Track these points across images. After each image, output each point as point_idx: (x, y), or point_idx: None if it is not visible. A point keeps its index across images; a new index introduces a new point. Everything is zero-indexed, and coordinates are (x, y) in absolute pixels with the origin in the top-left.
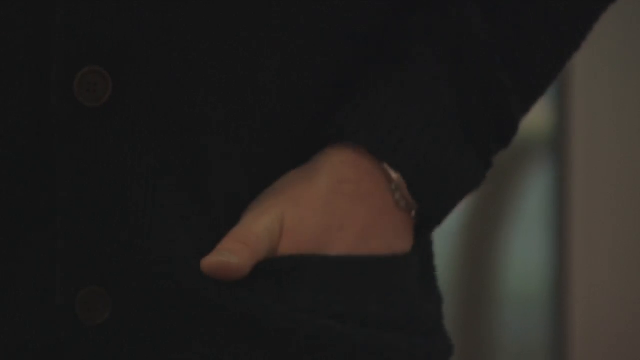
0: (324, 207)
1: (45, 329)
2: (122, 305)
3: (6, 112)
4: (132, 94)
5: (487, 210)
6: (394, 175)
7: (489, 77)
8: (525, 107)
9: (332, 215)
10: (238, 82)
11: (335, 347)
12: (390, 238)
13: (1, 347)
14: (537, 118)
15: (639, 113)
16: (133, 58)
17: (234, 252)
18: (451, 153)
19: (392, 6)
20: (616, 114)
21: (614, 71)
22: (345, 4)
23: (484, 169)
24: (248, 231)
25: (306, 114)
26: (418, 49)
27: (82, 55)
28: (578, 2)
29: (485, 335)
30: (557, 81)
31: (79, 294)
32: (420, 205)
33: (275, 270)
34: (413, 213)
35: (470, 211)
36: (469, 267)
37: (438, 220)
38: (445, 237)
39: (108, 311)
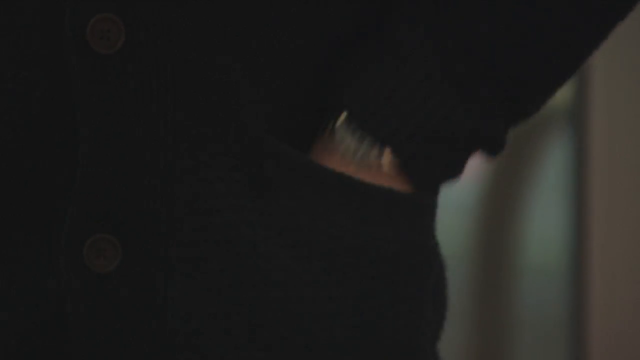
0: None
1: (53, 276)
2: (133, 254)
3: (23, 68)
4: (146, 39)
5: (506, 181)
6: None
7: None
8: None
9: None
10: (251, 32)
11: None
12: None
13: (11, 294)
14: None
15: None
16: (145, 4)
17: None
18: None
19: None
20: (636, 85)
21: (634, 41)
22: None
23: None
24: None
25: (314, 69)
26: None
27: (92, 4)
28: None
29: (503, 306)
30: None
31: (87, 241)
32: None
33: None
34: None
35: (489, 183)
36: (488, 239)
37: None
38: (464, 208)
39: (118, 259)
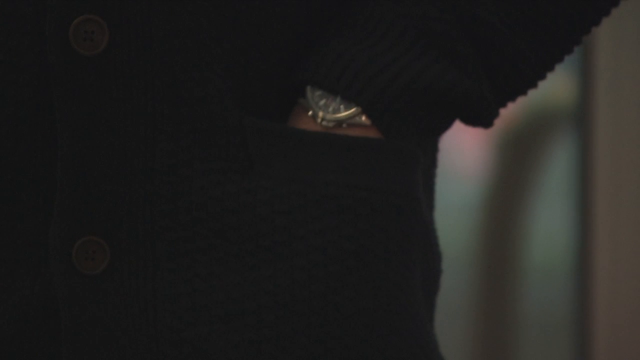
0: None
1: (41, 276)
2: (121, 255)
3: (5, 67)
4: (129, 41)
5: (510, 182)
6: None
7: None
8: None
9: None
10: (234, 30)
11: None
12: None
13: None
14: (560, 90)
15: None
16: (128, 5)
17: None
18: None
19: None
20: (639, 86)
21: (637, 43)
22: None
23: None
24: None
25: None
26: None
27: (76, 5)
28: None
29: (508, 306)
30: (580, 54)
31: (76, 244)
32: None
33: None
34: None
35: (494, 183)
36: (493, 239)
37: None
38: (469, 208)
39: (106, 261)
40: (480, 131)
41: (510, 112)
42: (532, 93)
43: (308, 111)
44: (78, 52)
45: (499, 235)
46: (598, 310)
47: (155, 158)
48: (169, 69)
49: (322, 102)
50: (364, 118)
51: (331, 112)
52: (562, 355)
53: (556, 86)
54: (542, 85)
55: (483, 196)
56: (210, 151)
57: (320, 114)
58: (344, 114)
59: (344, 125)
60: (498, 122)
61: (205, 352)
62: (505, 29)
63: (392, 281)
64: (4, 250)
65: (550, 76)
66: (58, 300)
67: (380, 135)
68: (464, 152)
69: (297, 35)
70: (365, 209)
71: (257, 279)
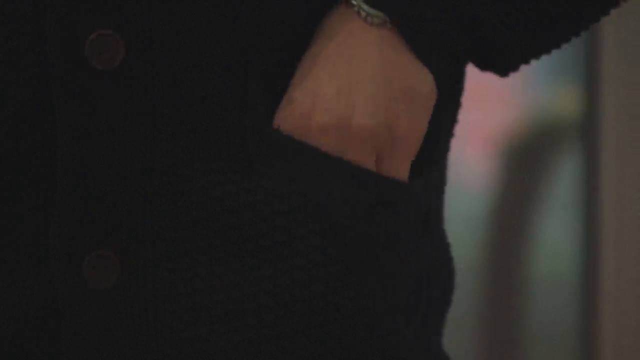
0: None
1: (42, 281)
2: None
3: (5, 67)
4: (144, 56)
5: (517, 193)
6: None
7: None
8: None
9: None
10: (234, 30)
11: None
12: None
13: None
14: (566, 101)
15: None
16: (142, 19)
17: None
18: None
19: None
20: None
21: None
22: None
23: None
24: None
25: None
26: None
27: (91, 19)
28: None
29: (515, 317)
30: (586, 68)
31: (85, 258)
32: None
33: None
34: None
35: (501, 195)
36: (500, 251)
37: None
38: (477, 221)
39: (116, 275)
40: (486, 142)
41: (515, 125)
42: (538, 104)
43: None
44: (94, 66)
45: (506, 247)
46: (604, 321)
47: (155, 158)
48: (169, 69)
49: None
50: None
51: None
52: None
53: (562, 97)
54: (548, 96)
55: (489, 207)
56: (210, 151)
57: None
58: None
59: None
60: (503, 135)
61: (205, 352)
62: (505, 28)
63: (392, 281)
64: (4, 250)
65: (556, 88)
66: (58, 300)
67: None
68: (470, 163)
69: (297, 35)
70: (365, 208)
71: (257, 279)
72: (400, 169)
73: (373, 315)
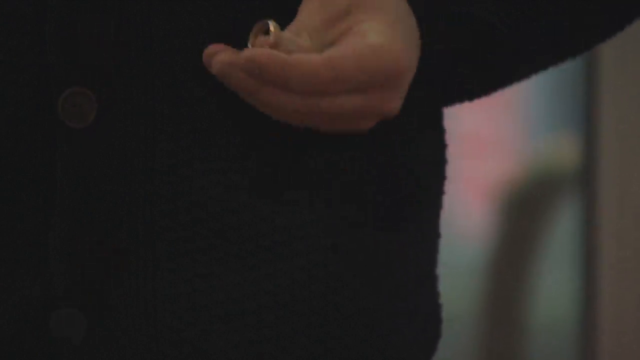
0: None
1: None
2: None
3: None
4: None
5: (515, 243)
6: None
7: None
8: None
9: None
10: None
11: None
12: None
13: None
14: (564, 153)
15: None
16: (119, 78)
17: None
18: None
19: None
20: None
21: None
22: None
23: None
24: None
25: None
26: None
27: (66, 77)
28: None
29: None
30: (584, 115)
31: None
32: None
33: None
34: None
35: (498, 245)
36: (498, 301)
37: None
38: (474, 270)
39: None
40: (484, 193)
41: (513, 175)
42: (536, 153)
43: None
44: (66, 124)
45: (504, 297)
46: None
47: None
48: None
49: None
50: None
51: None
52: None
53: (560, 148)
54: (546, 145)
55: (488, 258)
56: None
57: None
58: None
59: None
60: (501, 185)
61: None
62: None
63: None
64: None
65: (554, 137)
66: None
67: None
68: (468, 213)
69: None
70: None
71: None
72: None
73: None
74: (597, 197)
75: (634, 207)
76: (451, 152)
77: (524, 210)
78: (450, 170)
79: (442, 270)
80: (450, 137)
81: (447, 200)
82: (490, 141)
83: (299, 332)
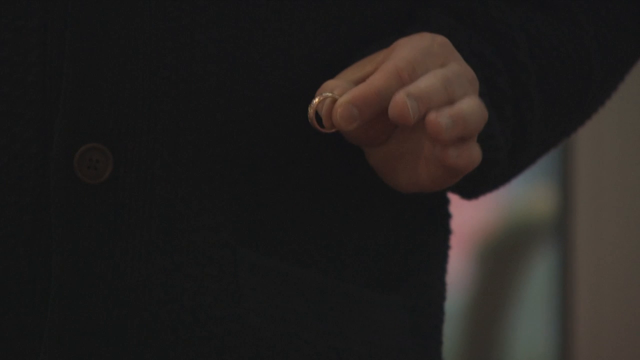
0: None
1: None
2: None
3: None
4: (132, 169)
5: (492, 292)
6: None
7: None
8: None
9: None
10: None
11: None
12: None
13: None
14: (540, 200)
15: None
16: (134, 135)
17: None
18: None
19: None
20: (619, 198)
21: (616, 154)
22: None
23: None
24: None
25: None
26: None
27: (82, 134)
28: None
29: None
30: (560, 165)
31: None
32: None
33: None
34: None
35: (475, 293)
36: (475, 348)
37: None
38: (453, 317)
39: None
40: (461, 242)
41: (490, 223)
42: (512, 203)
43: None
44: (82, 180)
45: (481, 344)
46: None
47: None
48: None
49: None
50: None
51: None
52: None
53: (536, 197)
54: (523, 196)
55: (464, 306)
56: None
57: None
58: None
59: None
60: (479, 233)
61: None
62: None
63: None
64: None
65: (530, 187)
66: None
67: None
68: None
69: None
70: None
71: None
72: None
73: None
74: (573, 246)
75: (608, 255)
76: None
77: (501, 259)
78: None
79: None
80: None
81: None
82: None
83: None
